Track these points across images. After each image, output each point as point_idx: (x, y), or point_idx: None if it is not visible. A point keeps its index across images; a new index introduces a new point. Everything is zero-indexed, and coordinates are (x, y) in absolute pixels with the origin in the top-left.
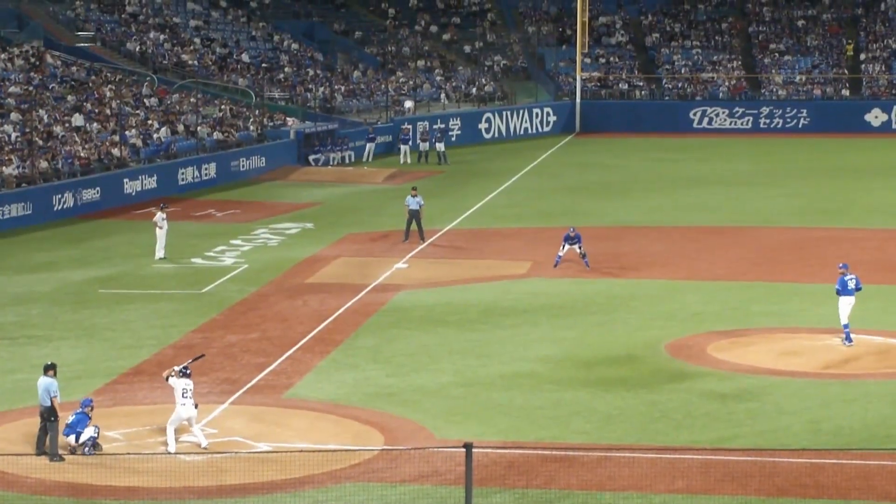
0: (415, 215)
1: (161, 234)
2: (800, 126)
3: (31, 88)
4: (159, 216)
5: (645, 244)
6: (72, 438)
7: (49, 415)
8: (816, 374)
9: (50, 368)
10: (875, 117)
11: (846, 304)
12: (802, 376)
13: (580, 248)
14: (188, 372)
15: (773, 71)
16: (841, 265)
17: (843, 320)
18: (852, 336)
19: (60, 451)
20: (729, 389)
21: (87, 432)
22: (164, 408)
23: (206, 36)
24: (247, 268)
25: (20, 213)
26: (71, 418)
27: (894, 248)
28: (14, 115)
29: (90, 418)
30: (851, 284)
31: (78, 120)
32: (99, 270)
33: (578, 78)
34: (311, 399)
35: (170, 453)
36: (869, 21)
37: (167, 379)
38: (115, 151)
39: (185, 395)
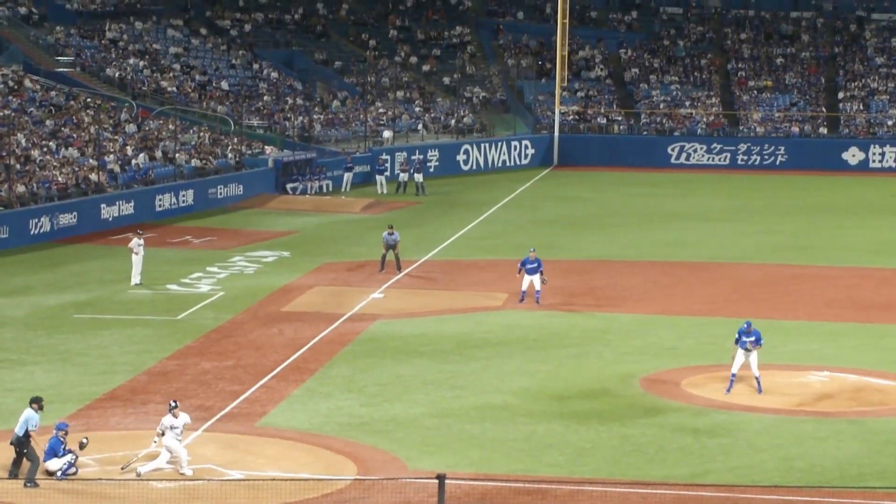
0: (392, 246)
1: (137, 261)
2: (777, 163)
3: (9, 112)
4: (135, 242)
5: (620, 278)
6: (50, 463)
7: (21, 446)
8: (790, 412)
9: (34, 402)
10: (852, 156)
11: (741, 356)
12: (776, 413)
13: (541, 276)
14: (175, 405)
15: (752, 108)
16: (745, 323)
17: (734, 369)
18: (824, 374)
19: (37, 478)
20: (702, 425)
21: (65, 459)
22: (136, 434)
23: (186, 63)
24: (223, 295)
25: None
26: (47, 445)
27: (869, 286)
28: None
29: (63, 442)
30: (748, 341)
31: (55, 145)
32: (74, 295)
33: (557, 111)
34: (285, 427)
35: (139, 476)
36: (847, 60)
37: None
38: (93, 177)
39: (175, 432)
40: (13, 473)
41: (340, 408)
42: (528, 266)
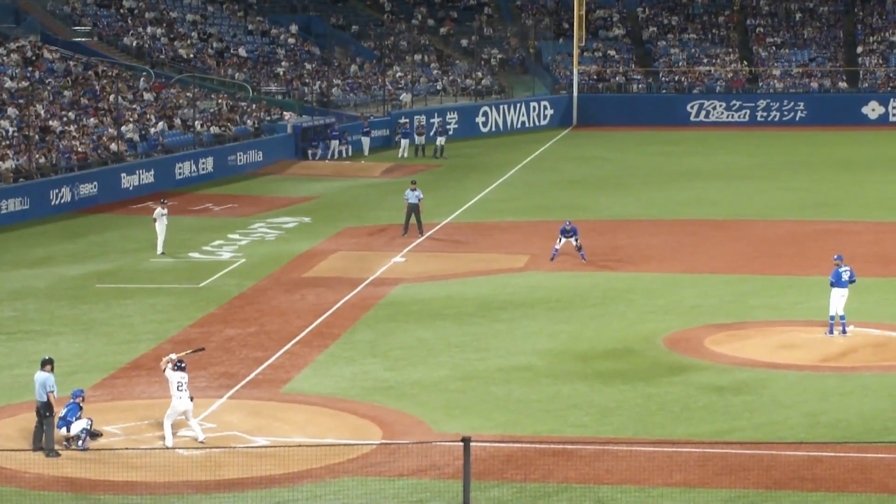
0: (414, 209)
1: (161, 229)
2: (797, 119)
3: (28, 83)
4: (158, 211)
5: (642, 237)
6: (65, 430)
7: (45, 410)
8: (813, 367)
9: (47, 363)
10: (872, 110)
11: (839, 296)
12: (800, 369)
13: (576, 241)
14: (183, 365)
15: (771, 64)
16: (836, 257)
17: (832, 311)
18: (848, 329)
19: (56, 446)
20: (726, 382)
21: (80, 424)
22: (161, 402)
23: (203, 30)
24: (244, 262)
25: (17, 207)
26: (63, 410)
27: (890, 241)
28: (11, 110)
29: (81, 408)
30: (845, 276)
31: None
32: (96, 265)
33: (575, 71)
34: (310, 393)
35: (167, 448)
36: (866, 13)
37: (164, 370)
38: (113, 146)
39: (179, 388)
40: (37, 444)
41: (365, 372)
42: (566, 233)
